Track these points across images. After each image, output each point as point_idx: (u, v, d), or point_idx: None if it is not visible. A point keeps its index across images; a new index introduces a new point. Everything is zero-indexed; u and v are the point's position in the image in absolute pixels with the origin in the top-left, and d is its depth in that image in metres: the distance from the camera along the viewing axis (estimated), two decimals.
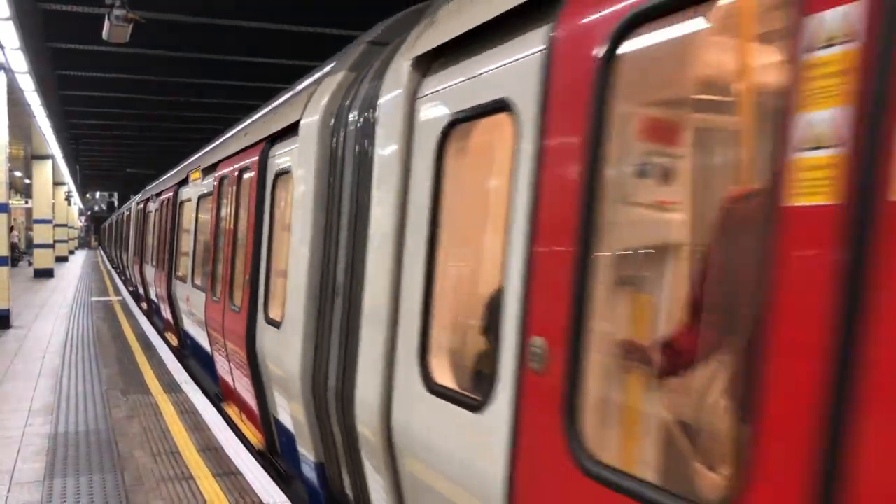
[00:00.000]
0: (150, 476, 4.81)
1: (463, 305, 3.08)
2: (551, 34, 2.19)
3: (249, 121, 7.29)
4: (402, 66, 3.19)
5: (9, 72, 11.66)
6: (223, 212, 7.03)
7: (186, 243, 9.41)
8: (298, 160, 4.51)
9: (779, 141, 1.49)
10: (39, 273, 25.19)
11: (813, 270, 1.41)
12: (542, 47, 2.22)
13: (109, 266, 33.99)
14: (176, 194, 10.94)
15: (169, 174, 14.89)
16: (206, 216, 7.98)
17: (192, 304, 8.14)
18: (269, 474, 4.86)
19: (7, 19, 8.54)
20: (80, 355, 9.53)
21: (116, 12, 8.52)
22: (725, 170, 2.35)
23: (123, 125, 24.17)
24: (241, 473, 4.84)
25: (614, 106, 1.98)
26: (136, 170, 41.35)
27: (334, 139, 4.06)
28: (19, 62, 10.61)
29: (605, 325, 2.12)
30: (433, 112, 2.95)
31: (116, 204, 68.40)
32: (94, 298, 17.38)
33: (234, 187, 6.56)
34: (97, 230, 73.06)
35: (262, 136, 5.76)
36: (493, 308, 2.49)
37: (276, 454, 5.16)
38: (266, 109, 6.74)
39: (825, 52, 1.42)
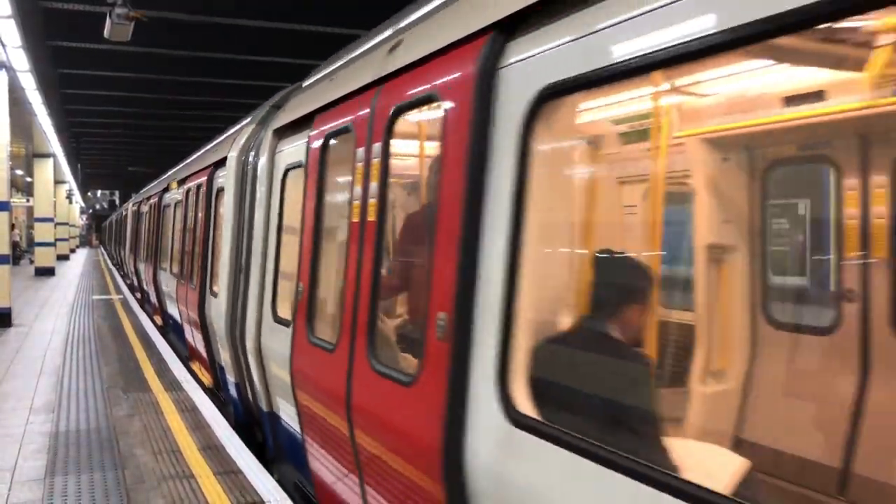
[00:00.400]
0: (150, 474, 4.82)
1: (287, 269, 5.08)
2: (309, 133, 4.52)
3: (207, 147, 10.17)
4: (268, 133, 5.62)
5: (10, 70, 11.66)
6: (188, 215, 9.26)
7: (166, 239, 11.59)
8: (227, 181, 6.64)
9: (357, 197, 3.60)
10: (41, 271, 25.21)
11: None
12: (306, 138, 4.55)
13: (110, 264, 33.99)
14: (160, 199, 13.10)
15: (155, 182, 17.66)
16: (178, 218, 10.23)
17: (169, 287, 10.30)
18: (215, 404, 6.71)
19: (8, 17, 8.55)
20: (81, 353, 9.54)
21: (118, 11, 8.52)
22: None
23: (125, 123, 24.18)
24: (241, 472, 4.84)
25: (329, 170, 4.24)
26: (137, 168, 41.37)
27: (243, 169, 6.25)
28: (20, 60, 10.62)
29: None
30: (282, 161, 5.28)
31: (118, 202, 68.47)
32: (96, 297, 17.39)
33: (195, 197, 8.81)
34: (98, 229, 73.11)
35: (211, 162, 8.09)
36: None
37: (219, 389, 7.21)
38: (217, 142, 9.29)
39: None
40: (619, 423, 2.33)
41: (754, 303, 3.59)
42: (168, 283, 10.39)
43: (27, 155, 26.73)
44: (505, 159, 2.44)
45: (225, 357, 6.31)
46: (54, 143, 21.55)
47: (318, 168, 4.21)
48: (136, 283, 16.46)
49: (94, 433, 5.84)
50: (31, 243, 31.15)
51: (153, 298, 12.77)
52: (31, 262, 29.32)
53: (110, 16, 8.65)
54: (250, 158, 5.99)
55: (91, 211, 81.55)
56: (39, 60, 11.98)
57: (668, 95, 2.75)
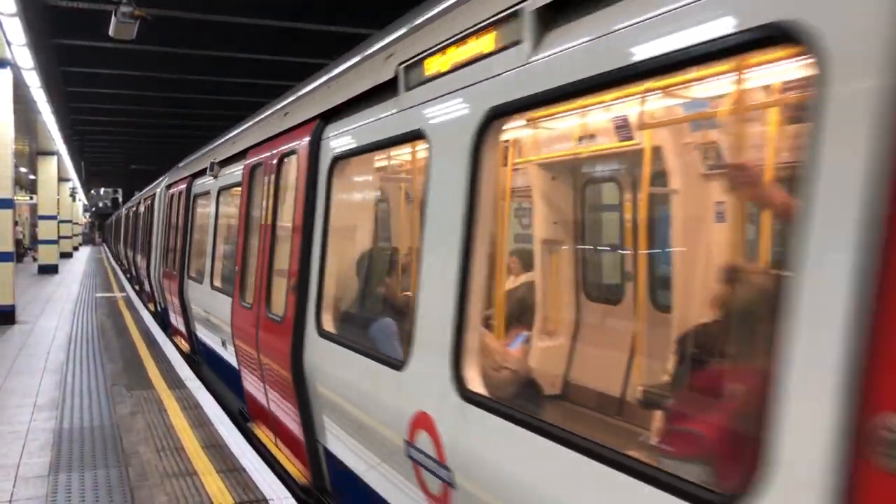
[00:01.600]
0: (154, 472, 4.83)
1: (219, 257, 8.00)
2: (245, 163, 6.53)
3: (164, 177, 14.74)
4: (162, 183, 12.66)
5: (14, 68, 11.68)
6: (166, 218, 12.16)
7: (153, 236, 13.99)
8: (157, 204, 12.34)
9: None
10: (44, 269, 25.26)
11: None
12: (236, 169, 7.04)
13: (113, 263, 34.02)
14: (150, 204, 15.63)
15: (144, 190, 21.29)
16: (159, 221, 13.21)
17: (155, 272, 12.92)
18: (189, 366, 8.36)
19: (13, 15, 8.56)
20: (84, 351, 9.56)
21: (123, 9, 8.54)
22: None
23: (128, 122, 24.20)
24: (244, 470, 4.86)
25: (253, 189, 6.31)
26: (140, 166, 41.42)
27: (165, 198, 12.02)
28: (25, 58, 10.64)
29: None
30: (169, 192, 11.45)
31: (120, 200, 68.55)
32: (99, 294, 17.42)
33: (169, 207, 11.98)
34: (101, 226, 73.17)
35: (153, 192, 13.22)
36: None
37: (194, 353, 9.08)
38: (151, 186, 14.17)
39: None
40: (369, 336, 4.26)
41: (576, 281, 5.21)
42: (156, 270, 12.95)
43: (31, 153, 26.77)
44: (322, 190, 4.50)
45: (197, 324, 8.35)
46: (58, 141, 21.58)
47: (248, 189, 6.52)
48: (134, 274, 18.73)
49: (97, 430, 5.86)
50: (35, 241, 31.21)
51: (147, 286, 15.00)
52: (35, 259, 29.37)
53: (115, 14, 8.68)
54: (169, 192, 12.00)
55: (94, 209, 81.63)
56: (44, 58, 12.00)
57: (379, 163, 5.23)
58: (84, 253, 46.24)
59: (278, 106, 6.40)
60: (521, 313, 4.97)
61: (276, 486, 4.55)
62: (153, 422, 6.07)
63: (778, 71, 2.74)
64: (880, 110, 1.42)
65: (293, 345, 4.53)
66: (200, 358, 8.79)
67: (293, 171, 5.06)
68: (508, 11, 2.67)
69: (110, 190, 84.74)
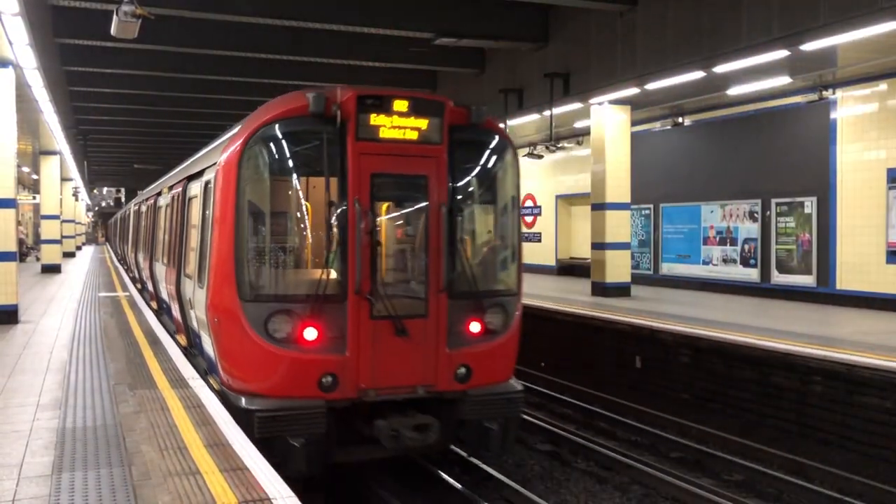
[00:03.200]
0: (157, 471, 4.83)
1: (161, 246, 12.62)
2: (172, 191, 11.49)
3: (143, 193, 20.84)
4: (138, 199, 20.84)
5: (17, 68, 11.68)
6: (142, 221, 16.75)
7: (138, 234, 18.47)
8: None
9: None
10: (47, 268, 25.28)
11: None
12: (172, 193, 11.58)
13: (116, 262, 34.05)
14: (137, 210, 20.06)
15: (133, 199, 27.18)
16: (144, 223, 16.52)
17: (140, 259, 17.07)
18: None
19: (16, 15, 8.55)
20: (87, 350, 9.57)
21: (125, 8, 8.51)
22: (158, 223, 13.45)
23: (131, 121, 24.18)
24: (248, 469, 4.85)
25: (172, 206, 11.13)
26: (143, 166, 41.42)
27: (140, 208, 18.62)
28: (28, 58, 10.63)
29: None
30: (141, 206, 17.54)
31: (123, 200, 68.57)
32: (102, 294, 17.43)
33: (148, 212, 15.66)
34: (104, 226, 73.19)
35: (140, 201, 19.11)
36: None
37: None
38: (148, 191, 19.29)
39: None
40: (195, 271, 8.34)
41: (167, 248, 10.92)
42: (145, 263, 15.48)
43: (34, 152, 26.78)
44: (187, 211, 9.39)
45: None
46: (61, 141, 21.58)
47: (172, 206, 10.88)
48: (136, 274, 19.61)
49: (100, 430, 5.85)
50: (38, 240, 31.23)
51: (140, 276, 17.58)
52: (38, 259, 29.39)
53: (117, 13, 8.65)
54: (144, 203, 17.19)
55: (97, 208, 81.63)
56: (47, 58, 12.00)
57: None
58: (87, 252, 46.26)
59: (186, 164, 12.39)
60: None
61: (280, 485, 4.54)
62: (156, 421, 6.06)
63: None
64: None
65: (177, 281, 9.51)
66: (163, 308, 12.47)
67: (181, 200, 9.92)
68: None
69: (113, 189, 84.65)
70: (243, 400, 6.48)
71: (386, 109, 6.67)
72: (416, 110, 6.77)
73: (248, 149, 6.67)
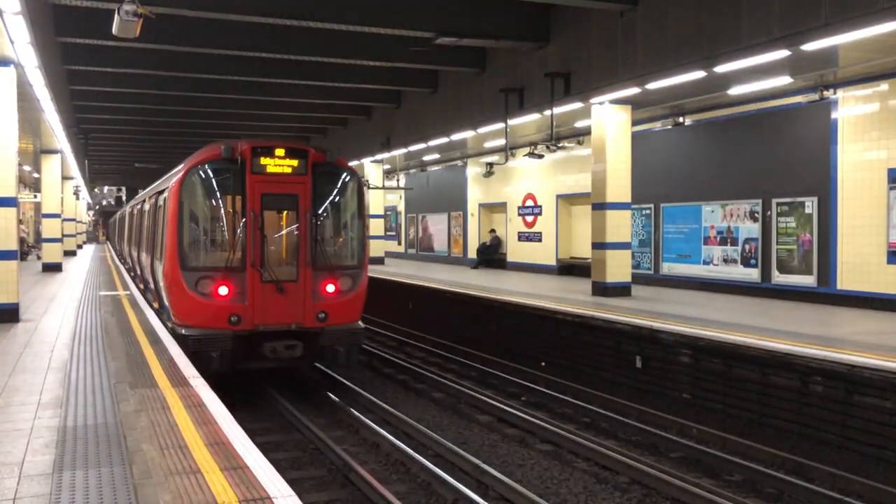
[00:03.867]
0: (157, 470, 4.84)
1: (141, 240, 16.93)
2: (150, 200, 15.16)
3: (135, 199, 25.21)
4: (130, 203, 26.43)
5: (19, 66, 11.69)
6: (136, 222, 19.42)
7: (131, 231, 22.33)
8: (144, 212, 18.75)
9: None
10: (48, 267, 25.30)
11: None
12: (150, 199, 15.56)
13: (117, 261, 34.06)
14: (131, 212, 23.44)
15: (130, 202, 31.15)
16: (135, 224, 19.96)
17: (135, 256, 19.23)
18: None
19: (17, 14, 8.56)
20: (88, 349, 9.58)
21: (126, 7, 8.51)
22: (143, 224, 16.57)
23: (132, 120, 24.18)
24: (248, 468, 4.86)
25: (145, 214, 16.09)
26: (144, 164, 41.42)
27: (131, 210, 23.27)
28: (29, 57, 10.63)
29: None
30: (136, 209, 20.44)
31: (124, 199, 68.57)
32: (102, 293, 17.44)
33: (140, 217, 18.18)
34: (105, 224, 73.22)
35: (130, 205, 24.72)
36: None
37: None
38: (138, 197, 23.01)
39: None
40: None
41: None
42: (140, 256, 17.54)
43: (35, 151, 26.79)
44: (156, 214, 13.19)
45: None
46: (62, 140, 21.59)
47: (149, 212, 14.55)
48: (131, 265, 22.47)
49: (101, 428, 5.86)
50: (39, 239, 31.25)
51: (138, 271, 18.96)
52: (39, 258, 29.39)
53: (118, 12, 8.65)
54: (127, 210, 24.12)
55: (98, 207, 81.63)
56: (48, 57, 12.01)
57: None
58: (88, 251, 46.29)
59: (157, 183, 16.05)
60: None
61: (280, 484, 4.55)
62: (157, 420, 6.07)
63: None
64: None
65: (151, 264, 12.76)
66: (148, 289, 14.97)
67: (153, 208, 13.51)
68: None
69: (114, 188, 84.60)
70: (183, 330, 10.39)
71: (270, 154, 10.57)
72: (289, 154, 10.67)
73: (185, 179, 10.75)
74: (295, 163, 10.70)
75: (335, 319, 10.95)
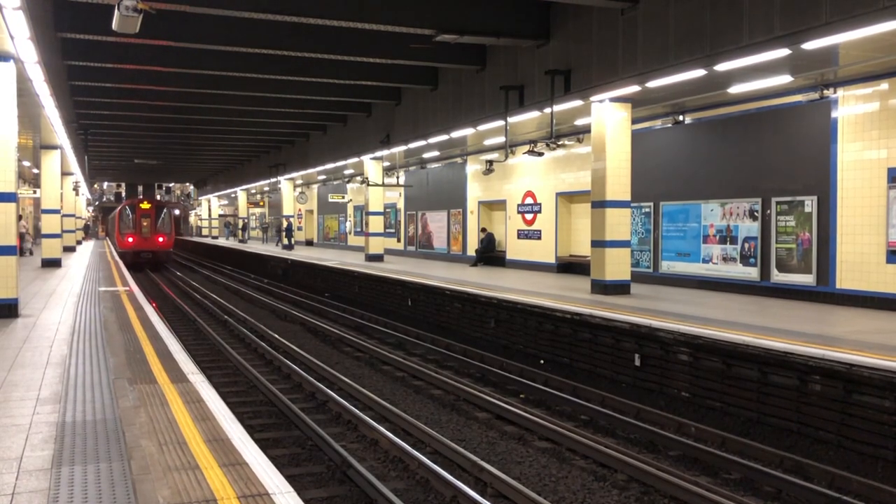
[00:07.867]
0: (156, 466, 4.85)
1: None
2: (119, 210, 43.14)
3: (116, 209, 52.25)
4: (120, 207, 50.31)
5: (18, 62, 11.67)
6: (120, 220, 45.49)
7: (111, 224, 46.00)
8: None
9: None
10: (47, 262, 25.30)
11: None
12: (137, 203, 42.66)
13: (116, 257, 34.15)
14: (119, 212, 42.87)
15: (118, 208, 47.85)
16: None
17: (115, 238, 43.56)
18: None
19: (17, 9, 8.55)
20: (87, 344, 9.58)
21: (126, 3, 8.51)
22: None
23: (132, 116, 24.20)
24: (246, 464, 4.87)
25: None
26: (144, 160, 41.50)
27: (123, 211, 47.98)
28: (29, 52, 10.62)
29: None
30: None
31: (124, 195, 68.71)
32: (102, 288, 17.45)
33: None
34: (104, 220, 73.30)
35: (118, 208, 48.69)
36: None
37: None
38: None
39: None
40: None
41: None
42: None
43: (34, 146, 26.79)
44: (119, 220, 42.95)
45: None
46: (62, 135, 21.58)
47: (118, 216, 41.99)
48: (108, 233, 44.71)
49: (100, 424, 5.87)
50: (38, 234, 31.37)
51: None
52: (31, 253, 29.39)
53: (118, 8, 8.65)
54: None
55: (98, 203, 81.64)
56: (48, 52, 12.00)
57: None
58: (87, 247, 46.34)
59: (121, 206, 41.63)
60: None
61: (279, 480, 4.56)
62: (156, 416, 6.08)
63: None
64: None
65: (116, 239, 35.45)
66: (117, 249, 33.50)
67: (118, 214, 41.02)
68: None
69: (114, 184, 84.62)
70: (122, 250, 38.00)
71: (142, 202, 39.33)
72: (149, 202, 39.55)
73: (121, 210, 39.70)
74: (151, 205, 38.98)
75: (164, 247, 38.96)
